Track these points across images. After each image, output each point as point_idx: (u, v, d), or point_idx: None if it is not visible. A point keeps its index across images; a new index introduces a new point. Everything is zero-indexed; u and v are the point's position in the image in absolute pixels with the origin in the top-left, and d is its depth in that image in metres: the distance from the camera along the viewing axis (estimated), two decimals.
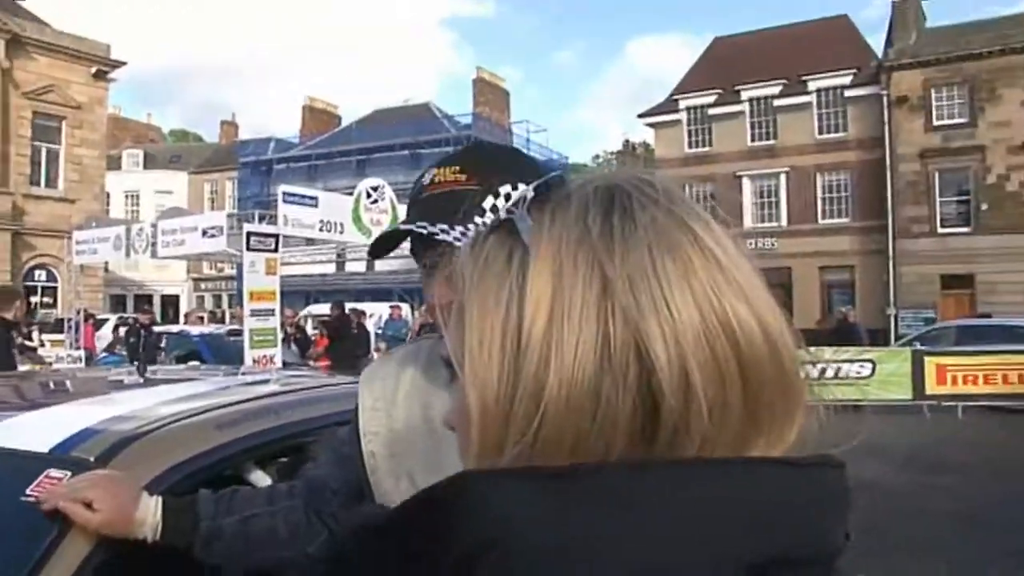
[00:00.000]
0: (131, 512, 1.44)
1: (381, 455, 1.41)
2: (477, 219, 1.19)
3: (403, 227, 1.24)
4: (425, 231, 1.19)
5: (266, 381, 2.51)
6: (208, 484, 1.65)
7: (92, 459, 1.56)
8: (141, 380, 2.47)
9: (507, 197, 1.22)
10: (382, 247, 1.34)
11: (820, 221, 34.04)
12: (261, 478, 1.97)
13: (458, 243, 1.14)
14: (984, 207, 30.44)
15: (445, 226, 1.18)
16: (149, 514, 1.45)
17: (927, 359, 16.41)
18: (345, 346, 14.13)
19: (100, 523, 1.41)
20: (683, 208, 0.64)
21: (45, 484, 1.49)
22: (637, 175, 0.67)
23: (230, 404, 1.97)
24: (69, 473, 1.51)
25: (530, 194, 0.66)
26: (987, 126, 30.54)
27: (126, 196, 47.44)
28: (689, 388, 0.58)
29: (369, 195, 12.09)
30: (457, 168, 1.25)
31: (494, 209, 1.21)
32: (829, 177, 34.08)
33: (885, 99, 31.99)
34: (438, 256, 1.20)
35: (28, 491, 1.48)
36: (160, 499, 1.48)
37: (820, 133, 34.06)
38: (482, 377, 0.62)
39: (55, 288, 29.00)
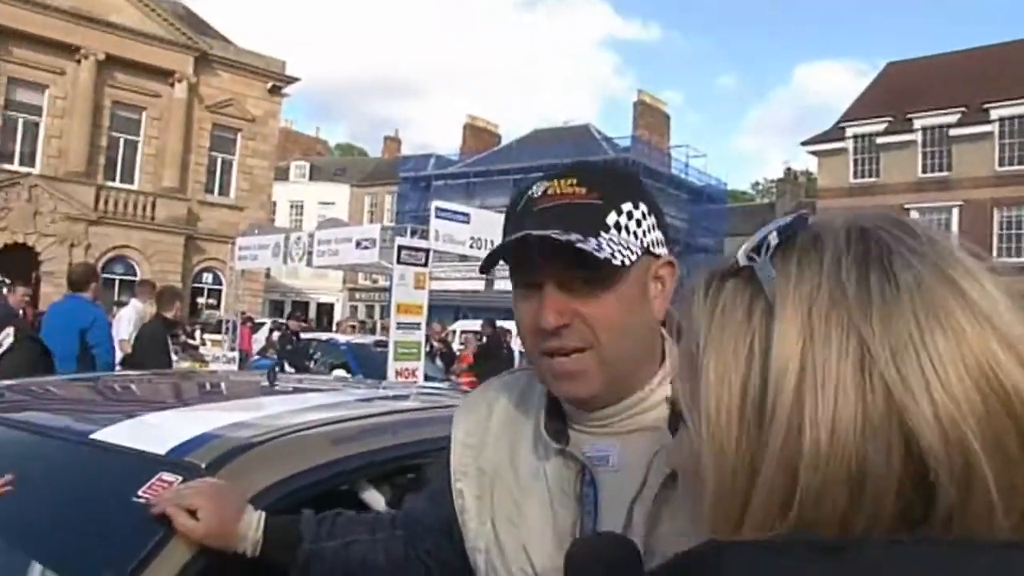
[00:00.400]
0: (233, 525, 1.42)
1: (470, 495, 1.33)
2: (603, 235, 1.10)
3: (537, 233, 1.09)
4: (562, 239, 1.07)
5: (405, 397, 2.48)
6: (317, 499, 1.62)
7: (203, 465, 1.55)
8: (272, 387, 2.48)
9: (628, 215, 1.14)
10: (496, 258, 1.20)
11: (996, 260, 31.82)
12: (374, 497, 1.92)
13: (598, 253, 1.07)
14: None
15: (579, 235, 1.08)
16: (251, 529, 1.43)
17: None
18: (492, 364, 14.19)
19: (202, 533, 1.39)
20: (949, 261, 0.58)
21: (156, 487, 1.49)
22: (893, 218, 0.62)
23: (351, 419, 1.94)
24: (180, 478, 1.50)
25: (773, 239, 0.61)
26: None
27: (291, 206, 49.45)
28: (970, 474, 0.52)
29: None
30: (574, 181, 1.15)
31: (617, 227, 1.13)
32: (1008, 213, 31.89)
33: None
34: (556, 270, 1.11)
35: (140, 492, 1.49)
36: (263, 515, 1.45)
37: (1001, 165, 31.95)
38: (719, 442, 0.58)
39: (220, 291, 30.68)
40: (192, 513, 1.39)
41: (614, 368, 1.13)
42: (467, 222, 11.56)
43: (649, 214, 1.16)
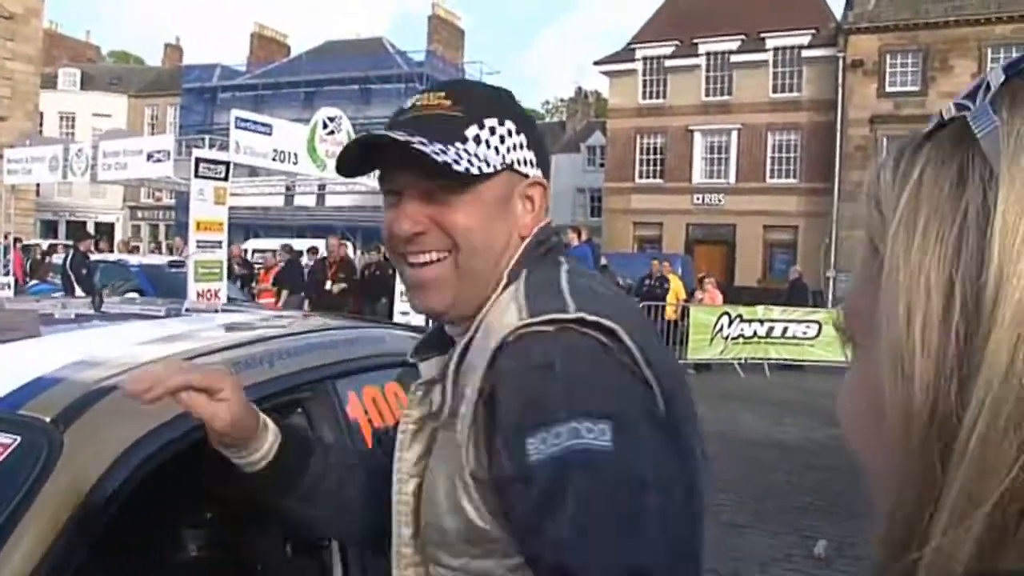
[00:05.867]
0: (254, 414, 1.17)
1: None
2: (458, 145, 1.10)
3: (398, 135, 1.08)
4: (400, 139, 1.07)
5: (248, 324, 2.15)
6: (189, 453, 1.33)
7: (48, 419, 1.20)
8: (99, 313, 2.08)
9: (491, 130, 1.14)
10: (354, 164, 1.19)
11: (768, 180, 34.17)
12: None
13: (436, 156, 1.06)
14: None
15: (441, 146, 1.08)
16: (268, 428, 1.19)
17: None
18: (292, 288, 14.01)
19: (230, 421, 1.11)
20: None
21: None
22: None
23: (216, 350, 1.61)
24: (18, 438, 1.16)
25: (997, 77, 0.44)
26: (937, 95, 30.64)
27: (61, 117, 45.54)
28: None
29: (325, 125, 11.45)
30: (443, 95, 1.15)
31: (477, 139, 1.12)
32: (780, 137, 34.10)
33: (841, 62, 31.95)
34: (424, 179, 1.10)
35: None
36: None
37: (774, 92, 33.98)
38: (909, 365, 0.41)
39: None
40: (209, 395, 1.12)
41: (468, 276, 1.12)
42: (269, 134, 10.89)
43: (517, 133, 1.16)
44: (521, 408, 0.94)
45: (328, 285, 13.64)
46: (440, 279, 1.12)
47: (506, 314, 1.04)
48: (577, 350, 0.96)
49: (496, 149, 1.13)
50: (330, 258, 14.03)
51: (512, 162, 1.15)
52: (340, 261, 14.10)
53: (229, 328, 2.04)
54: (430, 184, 1.10)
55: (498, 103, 1.18)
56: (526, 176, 1.17)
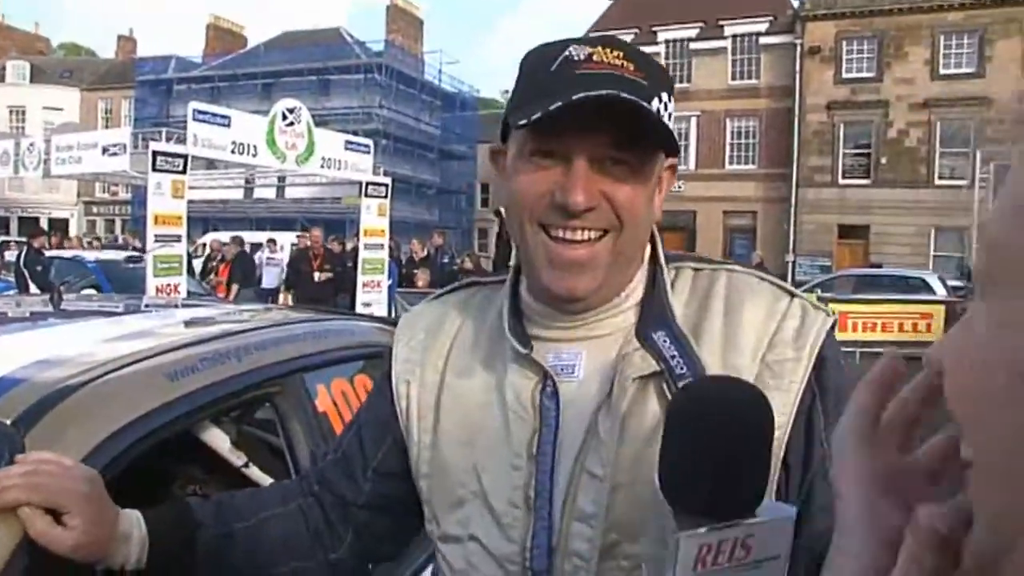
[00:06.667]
0: (111, 525, 1.04)
1: (413, 418, 1.16)
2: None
3: (627, 96, 0.94)
4: (652, 109, 0.96)
5: (212, 318, 2.10)
6: (159, 451, 1.29)
7: (8, 422, 1.15)
8: (58, 310, 2.02)
9: (665, 105, 1.01)
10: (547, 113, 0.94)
11: (727, 167, 34.51)
12: (216, 437, 1.61)
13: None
14: (883, 161, 31.22)
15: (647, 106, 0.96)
16: (133, 526, 1.06)
17: (830, 306, 16.67)
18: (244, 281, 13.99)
19: (73, 545, 0.99)
20: None
21: None
22: None
23: (182, 345, 1.57)
24: None
25: None
26: (892, 82, 31.18)
27: (11, 111, 44.60)
28: None
29: (285, 117, 11.38)
30: (620, 54, 0.99)
31: (658, 113, 0.99)
32: (738, 123, 34.46)
33: (798, 48, 32.29)
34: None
35: None
36: (134, 510, 1.10)
37: (733, 79, 34.30)
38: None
39: None
40: (55, 516, 1.00)
41: (621, 258, 1.03)
42: (228, 126, 10.75)
43: (674, 110, 1.05)
44: (838, 390, 1.01)
45: (316, 276, 13.67)
46: (595, 259, 1.01)
47: (761, 302, 1.05)
48: None
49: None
50: (314, 249, 14.01)
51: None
52: (324, 252, 14.21)
53: (193, 323, 2.00)
54: (605, 154, 0.98)
55: (666, 74, 1.06)
56: (666, 156, 1.06)
